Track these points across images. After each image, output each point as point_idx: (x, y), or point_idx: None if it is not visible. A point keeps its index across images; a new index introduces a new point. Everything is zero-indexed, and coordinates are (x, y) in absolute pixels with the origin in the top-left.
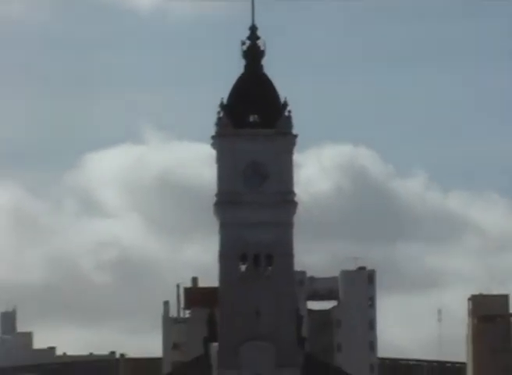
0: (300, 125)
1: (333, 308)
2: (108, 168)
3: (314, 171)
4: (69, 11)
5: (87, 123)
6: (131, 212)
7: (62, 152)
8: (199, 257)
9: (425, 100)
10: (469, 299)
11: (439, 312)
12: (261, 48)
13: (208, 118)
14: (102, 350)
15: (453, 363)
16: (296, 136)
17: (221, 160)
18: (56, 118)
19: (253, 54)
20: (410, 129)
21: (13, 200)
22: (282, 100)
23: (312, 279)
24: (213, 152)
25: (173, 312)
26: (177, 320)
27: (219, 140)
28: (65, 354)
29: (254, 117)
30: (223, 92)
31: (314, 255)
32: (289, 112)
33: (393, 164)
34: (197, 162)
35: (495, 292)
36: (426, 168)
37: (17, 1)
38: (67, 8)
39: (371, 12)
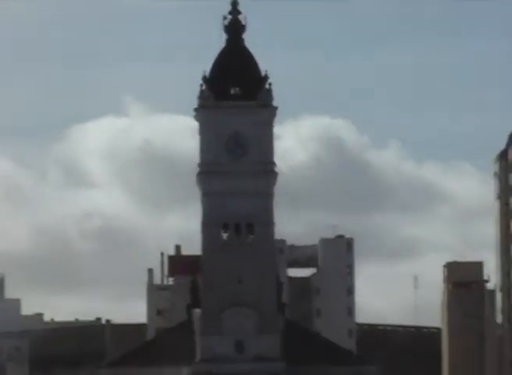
0: (278, 97)
1: (313, 275)
2: (93, 140)
3: (293, 142)
4: None
5: (73, 96)
6: (115, 183)
7: (48, 124)
8: (182, 226)
9: (400, 73)
10: (444, 266)
11: (415, 278)
12: (242, 23)
13: (191, 91)
14: (88, 316)
15: (429, 328)
16: (276, 108)
17: (203, 131)
18: (42, 92)
19: (234, 28)
20: (386, 101)
21: (0, 171)
22: (262, 73)
23: (292, 247)
24: (195, 124)
25: (157, 280)
26: (161, 287)
27: (202, 112)
28: (52, 320)
29: (235, 90)
30: (205, 65)
31: (293, 223)
32: (270, 84)
33: (369, 135)
34: (180, 133)
35: (469, 259)
36: (400, 139)
37: None
38: None
39: None
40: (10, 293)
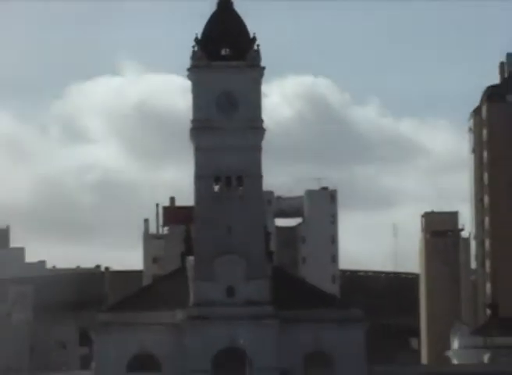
0: (265, 58)
1: (298, 225)
2: (91, 98)
3: (279, 100)
4: None
5: (71, 56)
6: (112, 138)
7: (48, 83)
8: (176, 179)
9: (379, 33)
10: (422, 216)
11: (395, 227)
12: None
13: (184, 52)
14: (88, 264)
15: (407, 274)
16: (264, 68)
17: (196, 90)
18: (43, 51)
19: None
20: (365, 60)
21: (3, 127)
22: (251, 35)
23: (279, 198)
24: (188, 83)
25: (153, 229)
26: (156, 236)
27: (194, 71)
28: (54, 267)
29: (226, 51)
30: (197, 28)
31: (280, 176)
32: (258, 46)
33: (350, 93)
34: (173, 92)
35: (445, 210)
36: (380, 96)
37: None
38: None
39: None
40: (15, 242)
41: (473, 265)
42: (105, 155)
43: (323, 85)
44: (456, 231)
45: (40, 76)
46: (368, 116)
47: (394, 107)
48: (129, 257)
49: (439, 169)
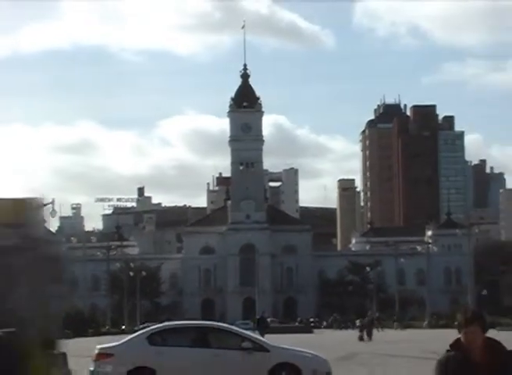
0: (264, 106)
1: (280, 185)
2: (172, 126)
3: (268, 127)
4: None
5: (161, 100)
6: (185, 147)
7: (149, 118)
8: (221, 163)
9: (312, 92)
10: (337, 181)
11: (325, 187)
12: (249, 74)
13: (223, 104)
14: (180, 203)
15: (331, 209)
16: (263, 112)
17: (231, 122)
18: (138, 100)
19: (245, 76)
20: (302, 107)
21: (135, 139)
22: (257, 95)
23: (271, 173)
24: (227, 119)
25: (211, 187)
26: (213, 191)
27: (230, 113)
28: (165, 206)
29: (245, 103)
30: (232, 93)
31: (270, 163)
32: (260, 101)
33: (295, 123)
34: (218, 124)
35: (348, 178)
36: (310, 124)
37: None
38: None
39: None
40: (147, 193)
41: (362, 204)
42: (183, 155)
43: (283, 120)
44: (354, 188)
45: (136, 113)
46: (304, 134)
47: (318, 129)
48: (200, 200)
49: (344, 160)
